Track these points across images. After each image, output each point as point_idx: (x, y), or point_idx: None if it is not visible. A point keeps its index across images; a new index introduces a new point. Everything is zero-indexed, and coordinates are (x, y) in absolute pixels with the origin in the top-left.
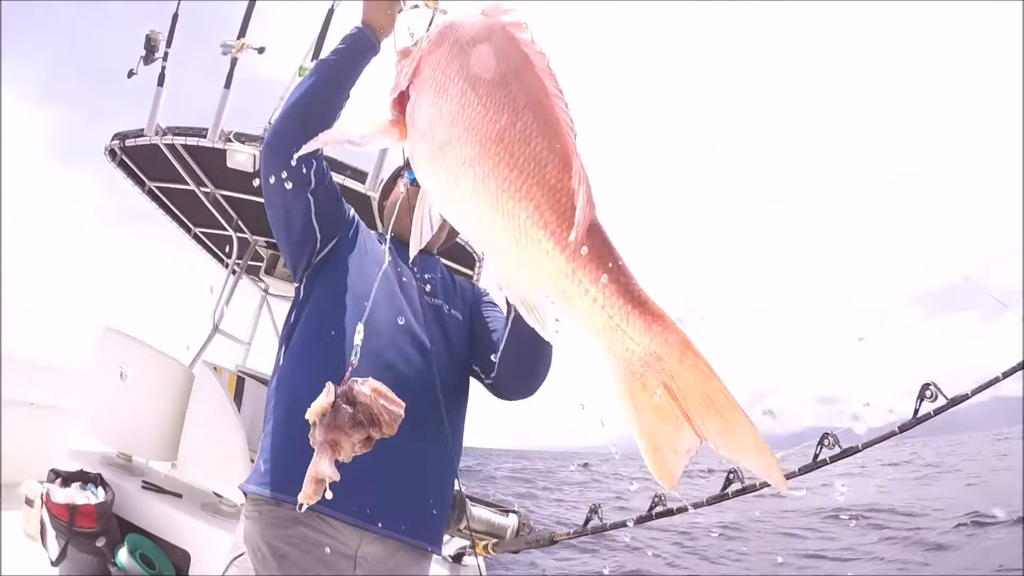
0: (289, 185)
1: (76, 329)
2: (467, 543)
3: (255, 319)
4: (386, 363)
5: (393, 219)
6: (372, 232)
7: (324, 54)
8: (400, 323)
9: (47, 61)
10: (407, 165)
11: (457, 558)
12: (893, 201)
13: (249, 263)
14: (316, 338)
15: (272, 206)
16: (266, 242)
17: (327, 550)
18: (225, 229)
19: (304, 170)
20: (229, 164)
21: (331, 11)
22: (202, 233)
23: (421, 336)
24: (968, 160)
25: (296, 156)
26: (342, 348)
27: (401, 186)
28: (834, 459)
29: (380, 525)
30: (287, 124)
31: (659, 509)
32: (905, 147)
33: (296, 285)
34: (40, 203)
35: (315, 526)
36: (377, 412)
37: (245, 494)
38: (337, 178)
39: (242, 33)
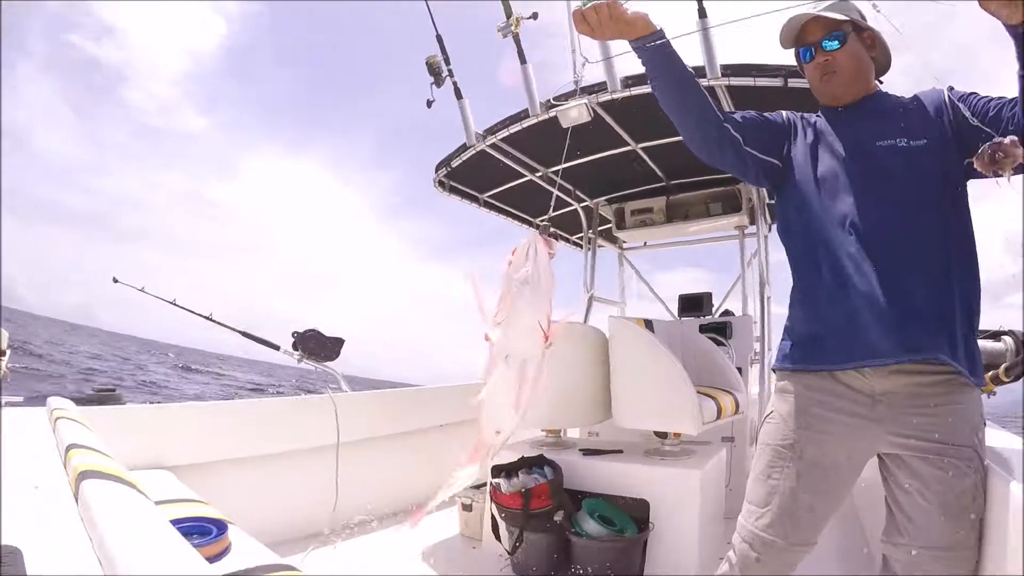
0: (729, 153)
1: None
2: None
3: (620, 278)
4: (849, 222)
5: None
6: (810, 115)
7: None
8: (840, 184)
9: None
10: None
11: None
12: None
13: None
14: (800, 238)
15: (729, 169)
16: (606, 200)
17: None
18: (568, 205)
19: (728, 132)
20: (564, 124)
21: None
22: (544, 221)
23: (873, 184)
24: None
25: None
26: (817, 241)
27: (801, 67)
28: None
29: (885, 358)
30: (686, 131)
31: None
32: None
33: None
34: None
35: (830, 387)
36: None
37: (775, 371)
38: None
39: (508, 10)
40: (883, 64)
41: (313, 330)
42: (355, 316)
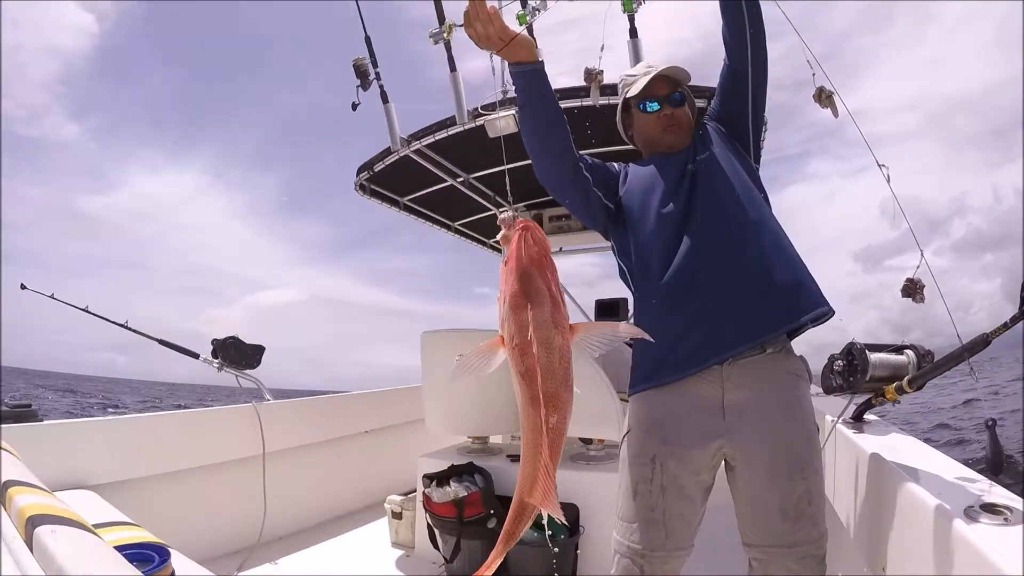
0: (579, 193)
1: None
2: (866, 397)
3: None
4: (671, 250)
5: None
6: (634, 164)
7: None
8: (665, 211)
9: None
10: (638, 97)
11: (858, 416)
12: None
13: None
14: (635, 269)
15: (573, 208)
16: (525, 206)
17: (693, 404)
18: (485, 211)
19: (582, 173)
20: (491, 134)
21: None
22: (463, 225)
23: (682, 202)
24: None
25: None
26: (649, 271)
27: (637, 115)
28: None
29: (717, 356)
30: (542, 165)
31: None
32: None
33: (611, 242)
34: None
35: (677, 398)
36: None
37: (628, 396)
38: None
39: (441, 17)
40: (697, 122)
41: (233, 337)
42: (246, 322)
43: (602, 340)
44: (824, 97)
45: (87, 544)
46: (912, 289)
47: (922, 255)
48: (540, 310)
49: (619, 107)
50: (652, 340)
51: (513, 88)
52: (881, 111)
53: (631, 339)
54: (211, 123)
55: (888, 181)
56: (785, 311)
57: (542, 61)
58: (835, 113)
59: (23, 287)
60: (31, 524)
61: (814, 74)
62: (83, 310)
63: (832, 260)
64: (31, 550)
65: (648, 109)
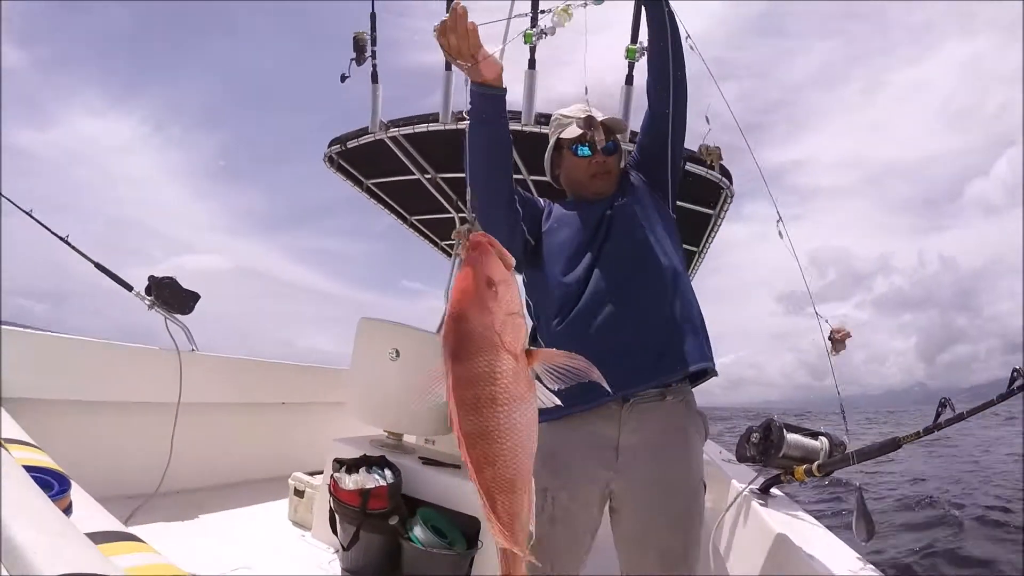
0: (508, 222)
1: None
2: (775, 473)
3: None
4: (579, 290)
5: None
6: (559, 203)
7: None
8: (577, 253)
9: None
10: (572, 140)
11: (765, 489)
12: None
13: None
14: (542, 303)
15: (498, 234)
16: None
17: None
18: (445, 213)
19: (515, 204)
20: None
21: None
22: (419, 220)
23: (596, 246)
24: None
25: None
26: (553, 308)
27: (567, 157)
28: None
29: (617, 392)
30: (482, 190)
31: None
32: None
33: (522, 275)
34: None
35: (570, 433)
36: None
37: None
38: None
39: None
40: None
41: (170, 278)
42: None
43: (563, 374)
44: (707, 153)
45: None
46: (835, 339)
47: (820, 316)
48: (464, 365)
49: (550, 145)
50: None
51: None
52: (822, 164)
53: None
54: (161, 71)
55: (782, 236)
56: (682, 358)
57: (505, 88)
58: (722, 171)
59: None
60: None
61: (709, 129)
62: (27, 213)
63: (757, 298)
64: None
65: (579, 153)
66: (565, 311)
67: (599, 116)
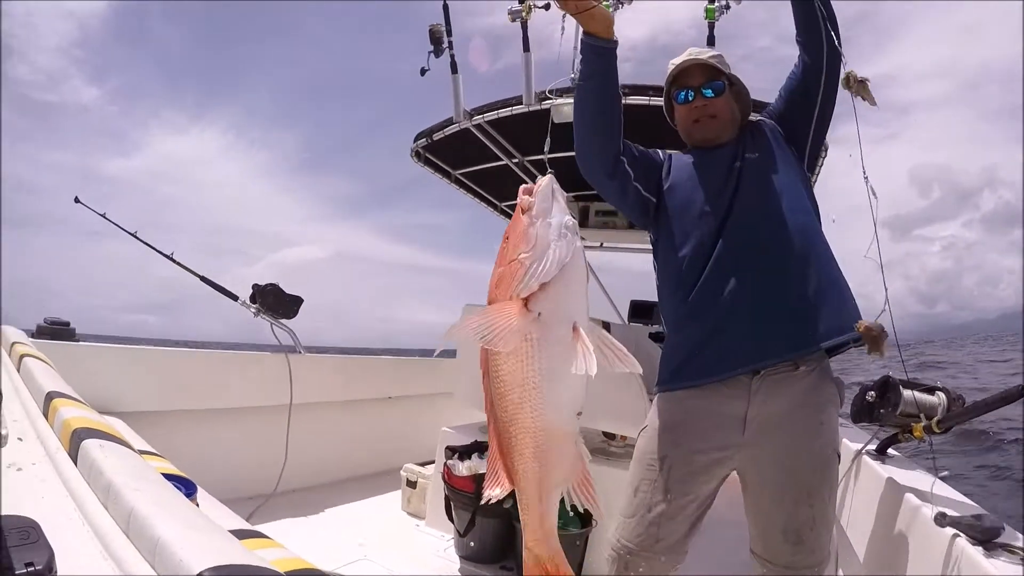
0: (616, 183)
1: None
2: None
3: None
4: (707, 250)
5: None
6: (678, 154)
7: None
8: (706, 209)
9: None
10: (670, 84)
11: (882, 450)
12: None
13: None
14: (668, 265)
15: (610, 199)
16: (574, 196)
17: (715, 411)
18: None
19: (623, 166)
20: (556, 120)
21: None
22: (508, 207)
23: (725, 204)
24: None
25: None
26: (681, 271)
27: (675, 105)
28: None
29: (745, 366)
30: (587, 149)
31: None
32: None
33: (649, 235)
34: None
35: (697, 402)
36: None
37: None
38: (640, 99)
39: None
40: (745, 115)
41: (273, 285)
42: (271, 279)
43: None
44: (854, 83)
45: (133, 463)
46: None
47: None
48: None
49: (664, 95)
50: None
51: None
52: (914, 74)
53: (660, 336)
54: (230, 81)
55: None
56: (820, 329)
57: (616, 41)
58: (872, 101)
59: (76, 200)
60: (77, 437)
61: (844, 61)
62: (132, 235)
63: (860, 227)
64: (75, 463)
65: (679, 100)
66: (687, 284)
67: (703, 56)
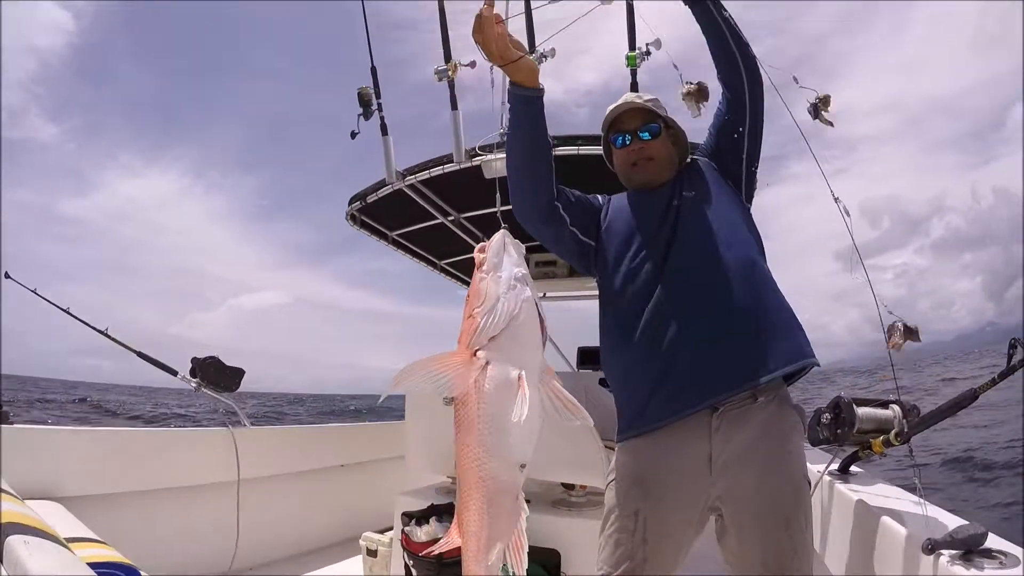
0: (551, 228)
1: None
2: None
3: None
4: (650, 289)
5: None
6: (618, 196)
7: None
8: (645, 250)
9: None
10: (607, 130)
11: (844, 468)
12: None
13: None
14: (609, 312)
15: (548, 245)
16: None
17: (678, 458)
18: (471, 251)
19: (558, 211)
20: (487, 175)
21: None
22: (449, 264)
23: (663, 244)
24: None
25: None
26: (627, 312)
27: (612, 151)
28: None
29: (704, 402)
30: (521, 196)
31: None
32: None
33: (596, 280)
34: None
35: (660, 448)
36: None
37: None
38: (570, 150)
39: (447, 56)
40: (683, 155)
41: (213, 357)
42: (229, 324)
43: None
44: (822, 108)
45: (62, 560)
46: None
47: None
48: None
49: (603, 140)
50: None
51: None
52: (860, 112)
53: (604, 381)
54: (190, 123)
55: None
56: (773, 356)
57: (542, 88)
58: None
59: (7, 276)
60: (2, 532)
61: (797, 81)
62: (64, 311)
63: (813, 260)
64: (0, 559)
65: (616, 144)
66: (629, 330)
67: (639, 101)
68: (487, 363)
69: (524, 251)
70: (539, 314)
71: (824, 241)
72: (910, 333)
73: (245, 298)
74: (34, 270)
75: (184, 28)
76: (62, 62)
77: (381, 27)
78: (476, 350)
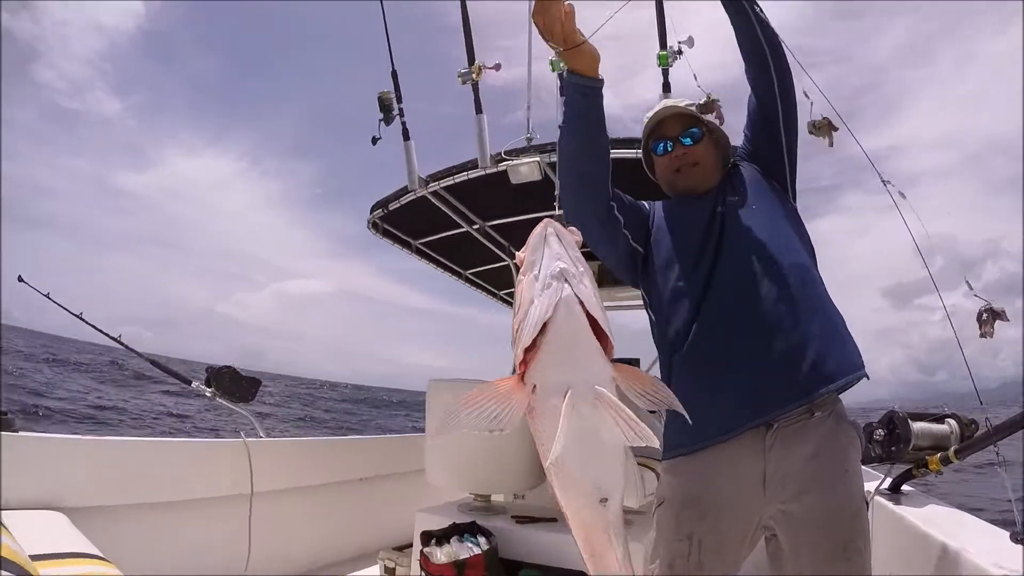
0: (607, 230)
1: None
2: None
3: None
4: (699, 301)
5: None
6: (662, 203)
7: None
8: (693, 259)
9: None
10: (648, 137)
11: (896, 487)
12: None
13: None
14: (659, 323)
15: (598, 248)
16: None
17: (732, 476)
18: (499, 261)
19: (614, 212)
20: (513, 181)
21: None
22: (474, 274)
23: (711, 253)
24: None
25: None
26: (677, 325)
27: (654, 158)
28: None
29: (758, 418)
30: (575, 195)
31: None
32: None
33: (641, 293)
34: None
35: (713, 460)
36: None
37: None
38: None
39: (471, 58)
40: (726, 160)
41: (229, 367)
42: (274, 307)
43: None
44: (817, 128)
45: None
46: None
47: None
48: None
49: (643, 148)
50: (686, 415)
51: (559, 121)
52: (920, 145)
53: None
54: (250, 111)
55: (898, 207)
56: (828, 369)
57: (602, 80)
58: (830, 142)
59: (20, 279)
60: None
61: (811, 103)
62: (77, 316)
63: (861, 295)
64: None
65: (657, 152)
66: (679, 341)
67: (680, 106)
68: (534, 387)
69: (576, 239)
70: (586, 312)
71: (872, 277)
72: (997, 316)
73: (290, 283)
74: (88, 239)
75: (245, 22)
76: (130, 43)
77: (444, 30)
78: (523, 371)
